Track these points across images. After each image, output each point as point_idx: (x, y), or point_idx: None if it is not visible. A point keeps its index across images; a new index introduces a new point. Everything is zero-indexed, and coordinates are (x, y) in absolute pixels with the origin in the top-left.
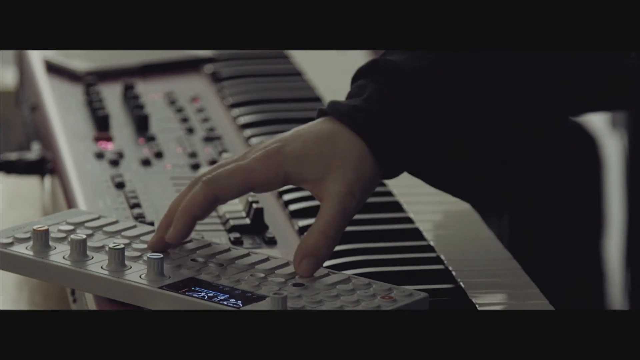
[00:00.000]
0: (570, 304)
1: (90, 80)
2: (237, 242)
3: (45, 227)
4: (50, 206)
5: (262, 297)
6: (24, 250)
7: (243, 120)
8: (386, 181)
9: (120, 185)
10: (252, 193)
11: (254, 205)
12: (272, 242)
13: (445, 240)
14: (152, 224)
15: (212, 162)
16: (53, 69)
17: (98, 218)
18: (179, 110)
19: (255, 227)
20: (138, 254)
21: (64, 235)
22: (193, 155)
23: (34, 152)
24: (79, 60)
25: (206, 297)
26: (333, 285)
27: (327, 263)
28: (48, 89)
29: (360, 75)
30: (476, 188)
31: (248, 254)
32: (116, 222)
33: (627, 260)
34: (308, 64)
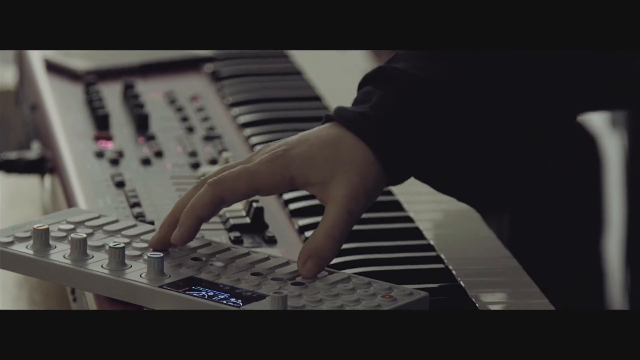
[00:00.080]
0: (570, 303)
1: (90, 80)
2: (237, 241)
3: (46, 226)
4: (50, 205)
5: (262, 296)
6: (24, 249)
7: (243, 119)
8: None
9: (120, 185)
10: None
11: (254, 205)
12: (272, 241)
13: (445, 239)
14: (152, 223)
15: (212, 162)
16: (53, 68)
17: (98, 217)
18: (179, 109)
19: (256, 226)
20: (138, 253)
21: (64, 234)
22: (193, 154)
23: (34, 151)
24: (79, 59)
25: (206, 296)
26: (333, 285)
27: None
28: (48, 88)
29: (366, 82)
30: (481, 191)
31: (248, 253)
32: (116, 221)
33: (627, 259)
34: (308, 63)
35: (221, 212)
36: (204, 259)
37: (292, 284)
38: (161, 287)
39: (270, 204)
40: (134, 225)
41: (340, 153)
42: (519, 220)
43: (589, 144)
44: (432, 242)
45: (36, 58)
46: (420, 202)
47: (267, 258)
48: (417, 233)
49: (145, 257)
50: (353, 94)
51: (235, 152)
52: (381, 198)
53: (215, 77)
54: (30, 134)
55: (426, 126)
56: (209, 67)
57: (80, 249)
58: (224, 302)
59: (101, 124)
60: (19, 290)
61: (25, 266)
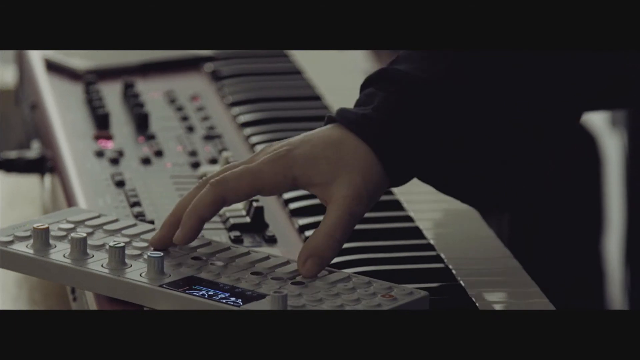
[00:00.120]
0: (570, 302)
1: (90, 79)
2: (238, 241)
3: (46, 226)
4: (50, 204)
5: (262, 296)
6: (24, 248)
7: (243, 118)
8: None
9: (120, 184)
10: None
11: (254, 204)
12: (272, 240)
13: (445, 238)
14: (152, 222)
15: (212, 161)
16: (53, 67)
17: (98, 216)
18: (179, 108)
19: (256, 226)
20: (138, 252)
21: (64, 233)
22: (193, 153)
23: (34, 150)
24: (79, 58)
25: (206, 295)
26: (333, 284)
27: None
28: (48, 88)
29: (368, 84)
30: (481, 191)
31: (248, 253)
32: (116, 220)
33: (627, 259)
34: (308, 62)
35: (221, 211)
36: (204, 258)
37: (292, 283)
38: (161, 286)
39: (270, 204)
40: (134, 225)
41: (342, 154)
42: (519, 219)
43: (589, 143)
44: (432, 242)
45: (36, 57)
46: (421, 201)
47: (267, 257)
48: (417, 232)
49: (146, 256)
50: (353, 93)
51: (235, 151)
52: (381, 197)
53: (215, 76)
54: (30, 134)
55: (428, 127)
56: (209, 67)
57: (80, 248)
58: (224, 301)
59: (101, 123)
60: (19, 290)
61: (25, 265)
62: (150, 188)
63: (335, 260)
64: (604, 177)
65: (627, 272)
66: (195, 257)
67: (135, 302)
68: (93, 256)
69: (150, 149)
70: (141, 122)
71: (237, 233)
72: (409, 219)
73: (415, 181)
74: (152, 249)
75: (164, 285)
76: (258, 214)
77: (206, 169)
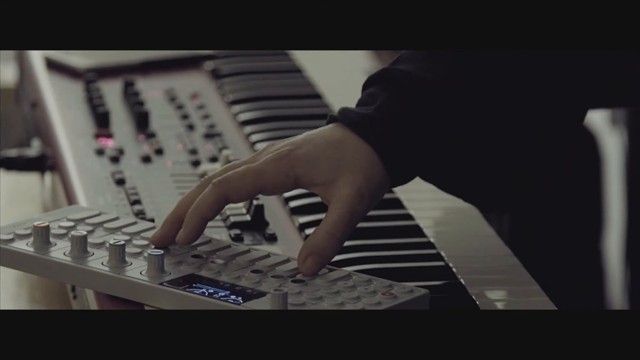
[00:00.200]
0: (571, 301)
1: (90, 77)
2: (238, 239)
3: (46, 224)
4: (50, 203)
5: (262, 294)
6: (24, 246)
7: (243, 117)
8: None
9: (120, 182)
10: None
11: (255, 202)
12: (272, 238)
13: (445, 237)
14: (152, 220)
15: (213, 159)
16: (53, 65)
17: (98, 214)
18: (179, 107)
19: (256, 224)
20: (138, 250)
21: (64, 231)
22: (193, 152)
23: (34, 148)
24: (79, 57)
25: (206, 293)
26: (333, 282)
27: None
28: (48, 86)
29: (370, 84)
30: (482, 191)
31: (248, 251)
32: (117, 218)
33: (627, 258)
34: (308, 61)
35: None
36: (204, 256)
37: (292, 281)
38: (161, 284)
39: (270, 202)
40: (134, 223)
41: (344, 154)
42: (520, 218)
43: (589, 142)
44: (432, 240)
45: (36, 56)
46: (421, 199)
47: (268, 255)
48: (417, 231)
49: (146, 254)
50: (353, 91)
51: (236, 149)
52: None
53: (216, 74)
54: (30, 132)
55: (429, 127)
56: (209, 65)
57: (81, 246)
58: (224, 299)
59: (101, 121)
60: (19, 288)
61: (25, 263)
62: (150, 186)
63: (336, 258)
64: (604, 175)
65: (627, 270)
66: (195, 255)
67: (136, 300)
68: (93, 254)
69: (150, 147)
70: (141, 121)
71: (238, 231)
72: (409, 217)
73: (416, 179)
74: (152, 247)
75: (164, 283)
76: (258, 212)
77: (206, 167)
